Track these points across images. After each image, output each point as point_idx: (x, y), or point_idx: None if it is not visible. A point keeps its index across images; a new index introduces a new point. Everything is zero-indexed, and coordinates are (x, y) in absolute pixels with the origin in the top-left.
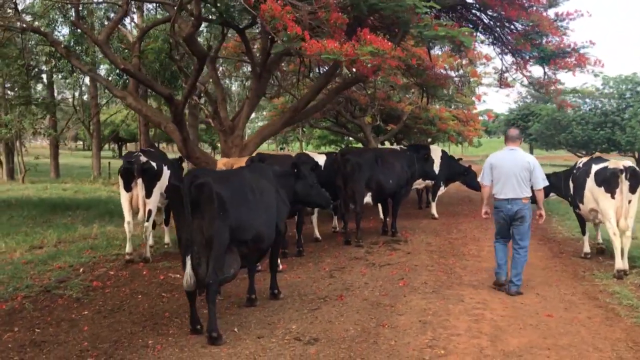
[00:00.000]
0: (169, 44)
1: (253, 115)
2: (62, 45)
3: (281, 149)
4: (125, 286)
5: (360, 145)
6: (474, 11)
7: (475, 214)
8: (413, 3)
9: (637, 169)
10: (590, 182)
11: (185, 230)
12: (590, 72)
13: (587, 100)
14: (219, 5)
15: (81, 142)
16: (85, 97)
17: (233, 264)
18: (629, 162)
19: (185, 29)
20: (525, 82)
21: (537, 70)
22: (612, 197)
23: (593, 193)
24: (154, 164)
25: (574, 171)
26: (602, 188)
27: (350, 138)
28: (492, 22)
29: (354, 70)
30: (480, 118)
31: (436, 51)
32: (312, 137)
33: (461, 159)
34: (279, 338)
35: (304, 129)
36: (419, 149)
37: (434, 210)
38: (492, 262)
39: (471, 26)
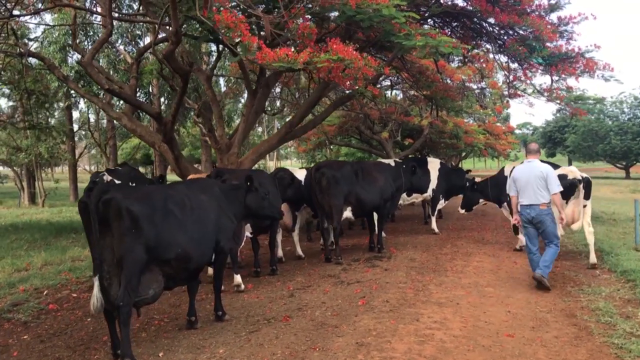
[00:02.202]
0: (159, 63)
1: None
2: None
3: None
4: (80, 309)
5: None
6: (475, 20)
7: (481, 227)
8: (390, 14)
9: (590, 179)
10: None
11: (95, 249)
12: (600, 77)
13: (625, 109)
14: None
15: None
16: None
17: (152, 285)
18: (582, 173)
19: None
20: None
21: (547, 79)
22: (566, 203)
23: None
24: (118, 183)
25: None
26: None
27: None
28: (494, 30)
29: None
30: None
31: (456, 63)
32: (339, 155)
33: (469, 171)
34: None
35: (331, 147)
36: (412, 162)
37: (433, 225)
38: (475, 278)
39: (475, 35)
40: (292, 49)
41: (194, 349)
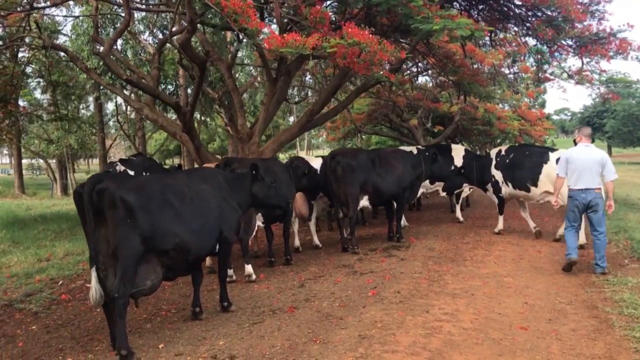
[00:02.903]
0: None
1: None
2: (82, 61)
3: None
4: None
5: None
6: (501, 1)
7: (507, 215)
8: None
9: None
10: (550, 168)
11: (91, 240)
12: (634, 58)
13: None
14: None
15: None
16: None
17: (150, 276)
18: None
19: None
20: (564, 74)
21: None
22: None
23: (553, 177)
24: (131, 173)
25: (497, 159)
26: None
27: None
28: (522, 12)
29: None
30: (556, 117)
31: (487, 48)
32: (370, 144)
33: None
34: (197, 356)
35: (363, 136)
36: (434, 149)
37: (458, 214)
38: (494, 267)
39: (502, 17)
40: (302, 35)
41: (195, 341)
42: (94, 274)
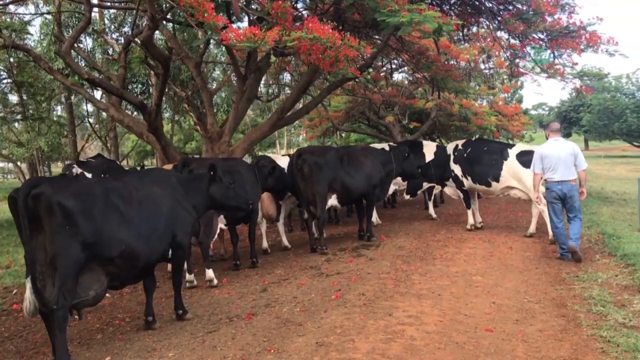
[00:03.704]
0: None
1: None
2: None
3: None
4: None
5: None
6: None
7: (481, 212)
8: None
9: None
10: (510, 163)
11: (27, 248)
12: (604, 51)
13: None
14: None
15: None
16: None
17: (93, 285)
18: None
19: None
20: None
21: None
22: None
23: (516, 172)
24: (89, 175)
25: (455, 154)
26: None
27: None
28: (494, 6)
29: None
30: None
31: (462, 44)
32: (349, 142)
33: None
34: None
35: (342, 134)
36: (405, 147)
37: (431, 211)
38: (464, 266)
39: (474, 12)
40: (262, 29)
41: (144, 352)
42: (28, 285)
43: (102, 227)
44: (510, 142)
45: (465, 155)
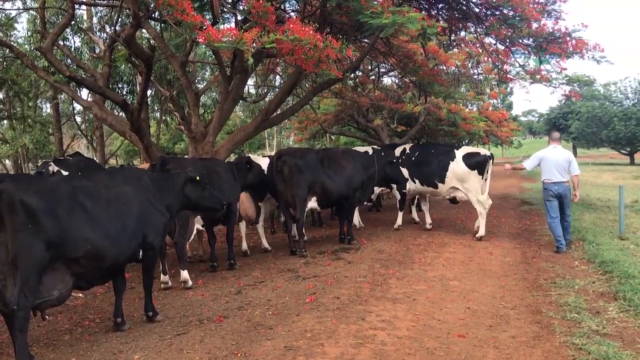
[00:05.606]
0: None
1: None
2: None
3: None
4: None
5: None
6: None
7: (465, 217)
8: None
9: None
10: (457, 165)
11: None
12: (590, 58)
13: (630, 95)
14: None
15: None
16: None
17: (57, 285)
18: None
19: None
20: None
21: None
22: (483, 177)
23: (459, 174)
24: (65, 173)
25: (402, 157)
26: (475, 170)
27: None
28: (481, 10)
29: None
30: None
31: (451, 49)
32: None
33: None
34: None
35: (331, 137)
36: (390, 149)
37: (414, 215)
38: (442, 270)
39: (461, 17)
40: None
41: (110, 355)
42: None
43: (67, 226)
44: (500, 147)
45: (413, 158)
